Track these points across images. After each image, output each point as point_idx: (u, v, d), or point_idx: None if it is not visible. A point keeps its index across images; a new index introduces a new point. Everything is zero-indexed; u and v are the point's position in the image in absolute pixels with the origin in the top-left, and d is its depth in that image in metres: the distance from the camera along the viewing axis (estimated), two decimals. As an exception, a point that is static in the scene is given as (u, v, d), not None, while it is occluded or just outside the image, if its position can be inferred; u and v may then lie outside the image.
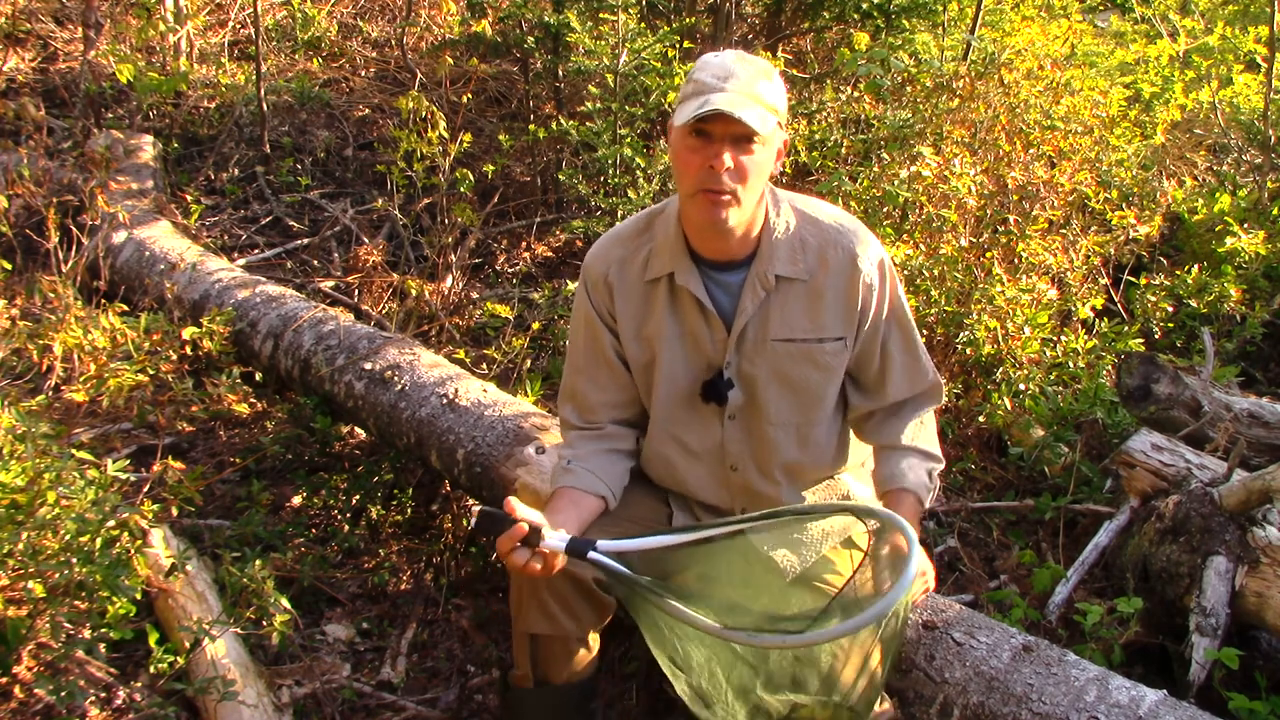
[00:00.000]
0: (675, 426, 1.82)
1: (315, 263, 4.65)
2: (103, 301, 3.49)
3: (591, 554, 1.56)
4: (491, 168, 4.38)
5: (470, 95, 5.36)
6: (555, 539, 1.59)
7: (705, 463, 1.84)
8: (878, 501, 1.85)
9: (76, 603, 1.90)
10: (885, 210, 3.49)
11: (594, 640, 1.81)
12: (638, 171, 4.03)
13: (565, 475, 1.81)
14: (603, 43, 4.10)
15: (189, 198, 4.89)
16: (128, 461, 2.18)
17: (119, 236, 4.00)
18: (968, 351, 3.22)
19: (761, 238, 1.70)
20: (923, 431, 1.83)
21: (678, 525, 1.84)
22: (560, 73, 5.05)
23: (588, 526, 1.75)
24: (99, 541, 1.89)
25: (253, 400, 3.30)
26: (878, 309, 1.75)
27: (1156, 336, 3.64)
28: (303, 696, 2.25)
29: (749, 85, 1.57)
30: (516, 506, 1.57)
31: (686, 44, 4.77)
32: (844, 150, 4.17)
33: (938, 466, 1.82)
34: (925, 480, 1.80)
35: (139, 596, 1.95)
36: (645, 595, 1.49)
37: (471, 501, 1.57)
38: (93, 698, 1.99)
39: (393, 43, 6.57)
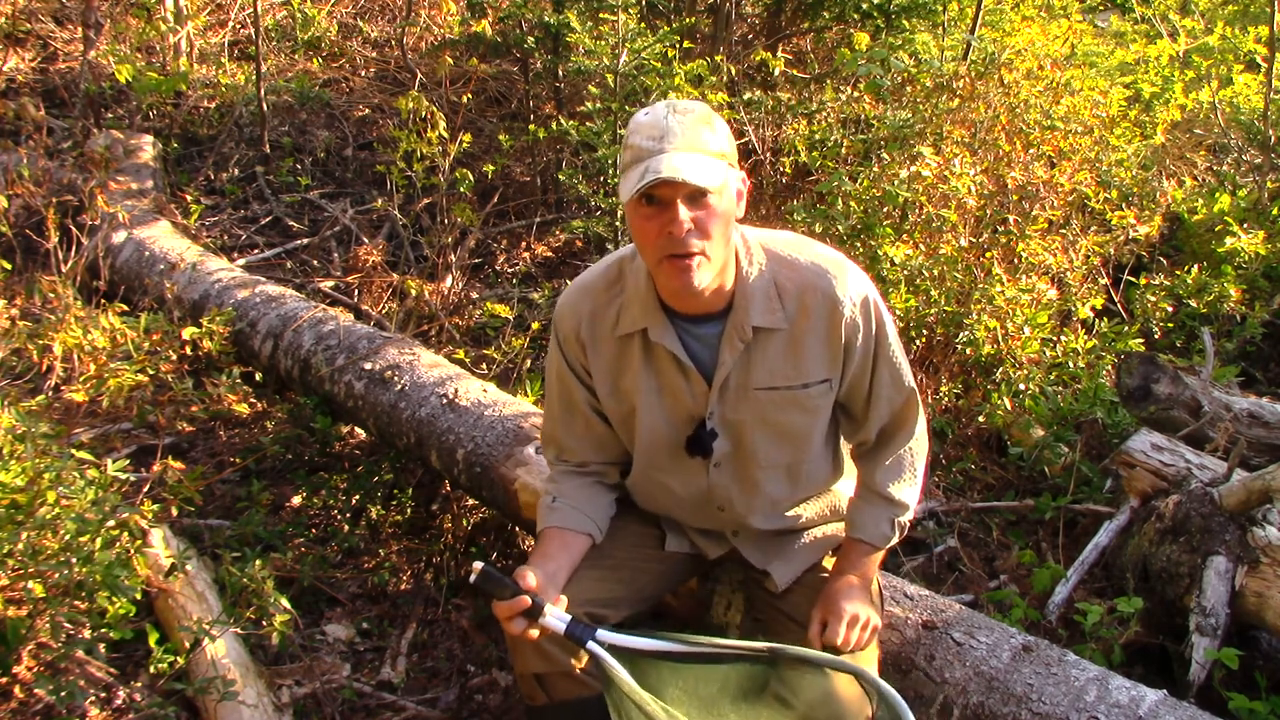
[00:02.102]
0: (659, 474, 1.81)
1: (315, 263, 4.64)
2: (103, 301, 3.49)
3: (590, 644, 1.57)
4: (491, 168, 4.38)
5: (470, 95, 5.36)
6: (555, 618, 1.58)
7: (692, 502, 1.83)
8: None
9: (76, 603, 1.90)
10: (885, 210, 3.48)
11: None
12: (638, 171, 4.01)
13: (552, 514, 1.79)
14: (603, 43, 4.10)
15: (189, 198, 4.89)
16: (128, 461, 2.19)
17: (119, 236, 4.00)
18: (968, 351, 3.22)
19: (736, 289, 1.63)
20: (901, 473, 1.80)
21: (678, 633, 1.74)
22: (560, 73, 5.05)
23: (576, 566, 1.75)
24: (99, 541, 1.90)
25: (253, 400, 3.30)
26: (864, 346, 1.68)
27: (1156, 336, 3.64)
28: (303, 696, 2.25)
29: (689, 140, 1.48)
30: (527, 574, 1.58)
31: (686, 44, 4.77)
32: (844, 150, 4.16)
33: (903, 514, 1.81)
34: (886, 531, 1.80)
35: (139, 596, 1.95)
36: (633, 700, 1.50)
37: (475, 566, 1.57)
38: (93, 698, 1.99)
39: (393, 43, 6.57)
